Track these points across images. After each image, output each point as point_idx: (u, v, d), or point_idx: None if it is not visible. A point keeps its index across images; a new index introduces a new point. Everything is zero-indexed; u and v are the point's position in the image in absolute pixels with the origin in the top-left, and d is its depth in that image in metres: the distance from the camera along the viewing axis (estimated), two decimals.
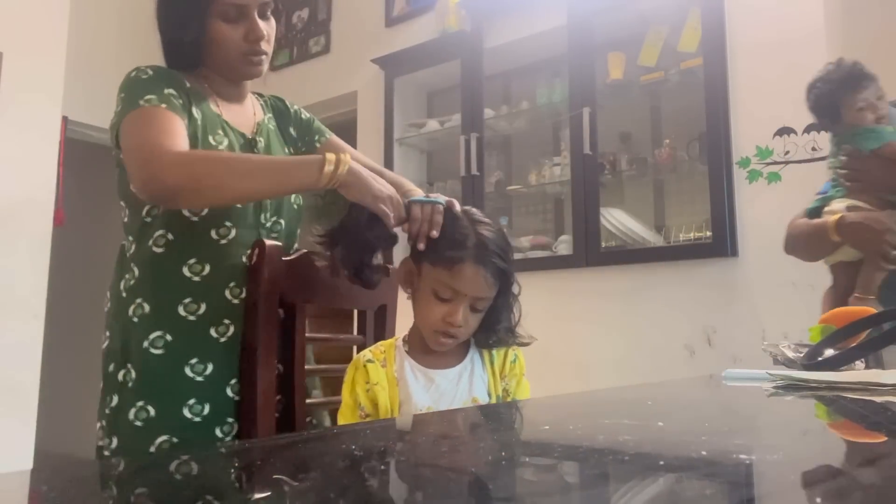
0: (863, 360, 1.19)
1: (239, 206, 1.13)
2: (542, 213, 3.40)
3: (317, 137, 1.39)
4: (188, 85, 1.16)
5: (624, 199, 3.08)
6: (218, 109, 1.20)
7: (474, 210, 1.14)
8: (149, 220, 1.13)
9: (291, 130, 1.36)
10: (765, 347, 1.34)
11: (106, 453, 1.09)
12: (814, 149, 2.46)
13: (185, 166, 1.01)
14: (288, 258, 1.16)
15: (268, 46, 1.19)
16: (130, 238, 1.16)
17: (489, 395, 1.12)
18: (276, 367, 1.14)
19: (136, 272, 1.13)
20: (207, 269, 1.12)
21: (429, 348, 1.11)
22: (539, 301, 3.04)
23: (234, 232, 1.13)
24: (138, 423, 1.08)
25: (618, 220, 2.86)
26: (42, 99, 3.09)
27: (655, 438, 0.62)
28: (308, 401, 1.20)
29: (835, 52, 2.64)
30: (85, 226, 4.82)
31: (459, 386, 1.10)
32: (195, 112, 1.13)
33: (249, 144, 1.22)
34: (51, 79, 3.12)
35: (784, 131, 2.52)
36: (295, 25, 4.29)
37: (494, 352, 1.15)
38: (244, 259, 1.13)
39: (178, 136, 1.05)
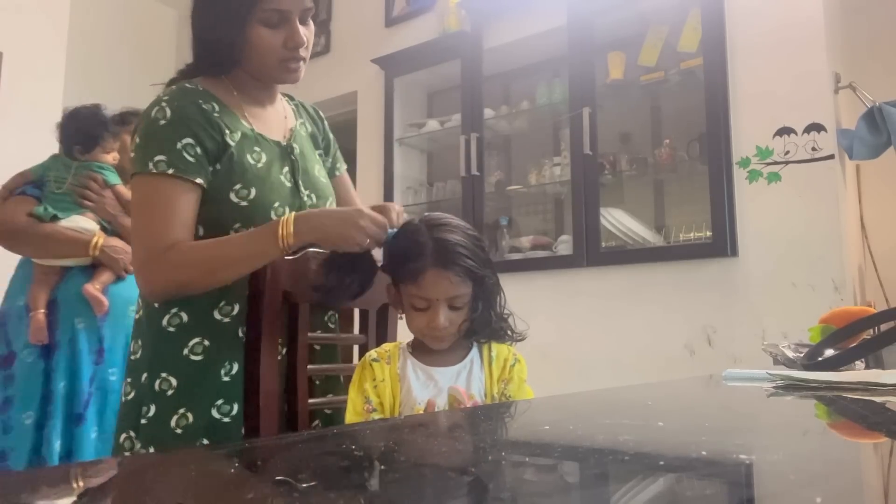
0: (863, 360, 1.19)
1: (274, 215, 1.15)
2: (542, 213, 3.40)
3: (337, 166, 1.40)
4: (216, 107, 1.14)
5: (624, 199, 3.08)
6: (249, 123, 1.19)
7: (434, 215, 1.15)
8: None
9: (321, 142, 1.37)
10: (765, 347, 1.35)
11: None
12: (814, 149, 2.46)
13: (172, 274, 1.07)
14: (291, 257, 1.16)
15: (306, 53, 1.17)
16: None
17: (485, 395, 1.13)
18: (277, 366, 1.14)
19: None
20: None
21: (431, 348, 1.14)
22: (539, 301, 3.05)
23: None
24: (179, 431, 1.08)
25: (618, 220, 2.86)
26: (42, 98, 3.09)
27: (655, 438, 0.62)
28: (311, 401, 1.20)
29: (835, 52, 2.65)
30: None
31: (457, 383, 1.11)
32: (229, 137, 1.13)
33: (285, 152, 1.21)
34: (51, 79, 3.13)
35: (784, 131, 2.52)
36: None
37: (494, 353, 1.16)
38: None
39: (176, 219, 1.08)
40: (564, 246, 3.02)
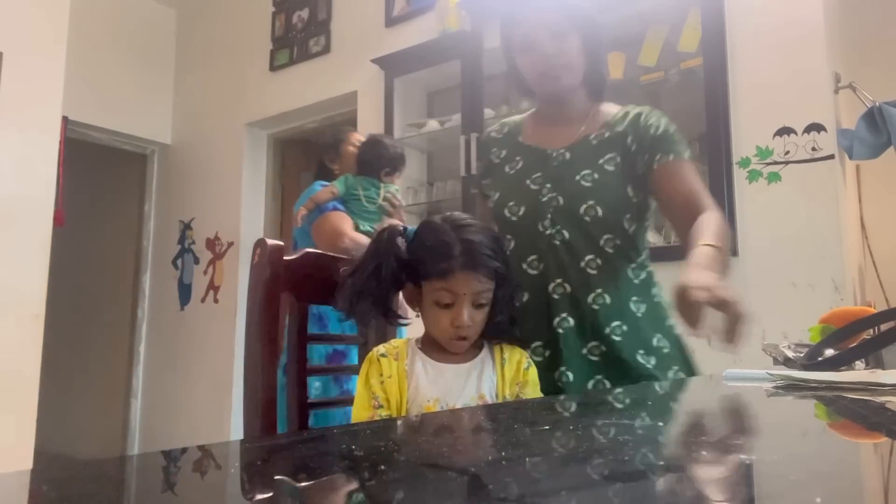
0: (863, 360, 1.19)
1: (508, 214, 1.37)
2: None
3: (657, 158, 1.49)
4: (505, 129, 1.56)
5: None
6: (525, 138, 1.52)
7: (456, 215, 1.16)
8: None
9: (628, 143, 1.54)
10: (765, 347, 1.35)
11: None
12: (814, 149, 2.46)
13: None
14: (290, 257, 1.17)
15: (559, 65, 1.47)
16: None
17: (496, 395, 1.12)
18: (276, 366, 1.14)
19: None
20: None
21: (441, 346, 1.13)
22: None
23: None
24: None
25: None
26: (42, 99, 3.09)
27: (655, 438, 0.62)
28: (309, 400, 1.20)
29: (835, 52, 2.65)
30: (85, 226, 4.82)
31: (468, 382, 1.11)
32: (493, 156, 1.52)
33: (547, 157, 1.47)
34: (51, 79, 3.13)
35: (784, 131, 2.52)
36: (295, 25, 4.29)
37: (507, 355, 1.16)
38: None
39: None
40: None
